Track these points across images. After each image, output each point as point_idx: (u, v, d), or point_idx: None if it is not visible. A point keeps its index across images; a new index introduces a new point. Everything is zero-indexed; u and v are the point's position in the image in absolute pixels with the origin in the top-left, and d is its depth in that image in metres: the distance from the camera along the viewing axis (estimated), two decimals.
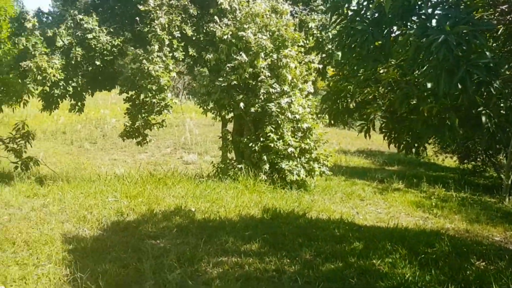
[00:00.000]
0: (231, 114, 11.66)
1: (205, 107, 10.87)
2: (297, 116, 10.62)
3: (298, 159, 10.76)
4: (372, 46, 4.48)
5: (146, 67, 9.91)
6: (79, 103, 11.82)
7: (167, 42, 10.30)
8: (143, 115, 10.77)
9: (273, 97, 10.29)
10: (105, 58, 10.98)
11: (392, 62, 5.29)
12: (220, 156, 16.80)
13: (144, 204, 7.60)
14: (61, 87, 10.86)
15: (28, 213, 6.61)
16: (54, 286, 4.44)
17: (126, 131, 11.25)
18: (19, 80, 11.44)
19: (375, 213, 9.34)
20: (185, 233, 6.35)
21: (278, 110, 10.27)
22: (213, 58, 10.32)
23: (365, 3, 4.73)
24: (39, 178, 10.95)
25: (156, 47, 10.07)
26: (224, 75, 10.23)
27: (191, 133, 23.75)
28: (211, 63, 10.46)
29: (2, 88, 12.81)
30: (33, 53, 10.24)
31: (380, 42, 4.54)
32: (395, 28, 4.70)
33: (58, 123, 24.69)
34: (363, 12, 4.68)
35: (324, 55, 11.90)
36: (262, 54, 10.09)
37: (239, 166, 10.62)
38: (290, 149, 10.37)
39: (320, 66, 11.43)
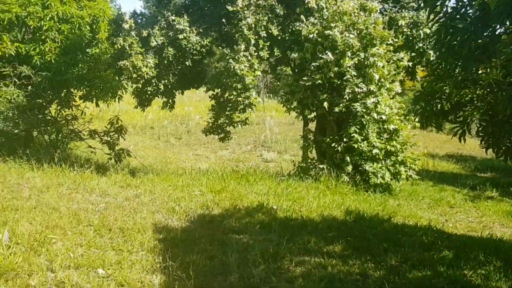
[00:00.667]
0: (314, 114, 11.58)
1: (288, 106, 10.89)
2: (383, 117, 10.28)
3: (383, 162, 10.42)
4: (474, 46, 4.21)
5: (232, 66, 10.14)
6: (170, 101, 12.41)
7: (253, 41, 10.47)
8: (227, 112, 11.04)
9: (358, 97, 10.06)
10: (194, 57, 11.41)
11: (495, 62, 4.93)
12: (300, 155, 16.79)
13: (227, 199, 7.79)
14: (153, 85, 11.45)
15: (122, 202, 7.05)
16: (147, 272, 4.70)
17: (209, 127, 11.61)
18: (116, 77, 12.26)
19: (466, 222, 8.79)
20: (268, 230, 6.41)
21: (364, 110, 10.01)
22: (298, 57, 10.31)
23: (466, 1, 4.45)
24: (131, 170, 11.66)
25: (243, 46, 10.27)
26: (309, 74, 10.18)
27: (271, 131, 23.97)
28: (295, 62, 10.46)
29: (99, 84, 13.83)
30: (129, 52, 10.91)
31: (481, 41, 4.25)
32: (497, 26, 4.38)
33: (147, 119, 26.11)
34: (463, 10, 4.41)
35: (414, 54, 11.41)
36: (348, 53, 9.89)
37: (321, 166, 10.51)
38: (374, 151, 10.07)
39: (410, 65, 10.96)
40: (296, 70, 11.05)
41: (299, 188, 9.37)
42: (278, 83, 12.48)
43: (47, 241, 4.98)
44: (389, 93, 10.69)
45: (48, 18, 12.67)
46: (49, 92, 13.33)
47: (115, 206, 6.78)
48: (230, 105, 11.02)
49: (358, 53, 10.06)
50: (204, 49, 11.32)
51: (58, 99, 13.57)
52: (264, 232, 6.31)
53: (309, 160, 11.42)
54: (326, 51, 9.92)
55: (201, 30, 11.35)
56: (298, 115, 11.44)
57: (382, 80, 10.36)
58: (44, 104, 13.30)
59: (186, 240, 5.68)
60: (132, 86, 11.94)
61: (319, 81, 9.97)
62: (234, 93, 10.51)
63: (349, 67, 9.98)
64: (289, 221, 6.95)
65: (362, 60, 10.01)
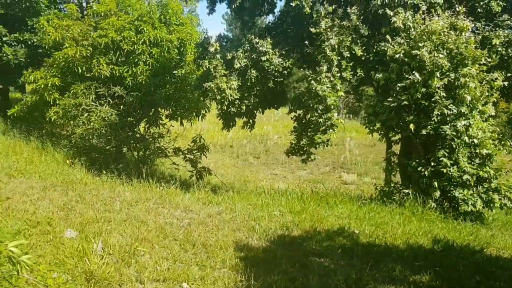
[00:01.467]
0: (398, 136, 11.17)
1: (370, 128, 10.61)
2: (475, 141, 9.65)
3: (475, 188, 9.76)
4: None
5: (313, 87, 10.12)
6: (250, 121, 12.64)
7: (335, 62, 10.39)
8: (309, 133, 10.99)
9: (448, 119, 9.54)
10: (276, 79, 11.56)
11: None
12: (382, 178, 16.22)
13: (307, 221, 7.69)
14: (236, 106, 11.73)
15: (205, 218, 7.24)
16: None
17: (291, 148, 11.62)
18: (201, 98, 12.78)
19: None
20: (350, 255, 6.21)
21: (454, 133, 9.47)
22: (382, 77, 10.05)
23: None
24: (212, 187, 11.97)
25: (325, 67, 10.23)
26: (394, 95, 9.86)
27: (351, 152, 23.58)
28: (379, 82, 10.20)
29: (185, 104, 14.49)
30: (214, 74, 11.30)
31: None
32: None
33: (227, 138, 26.76)
34: None
35: (509, 74, 10.65)
36: (437, 74, 9.46)
37: (406, 191, 10.06)
38: (465, 177, 9.46)
39: (505, 85, 10.24)
40: (380, 91, 10.76)
41: (382, 213, 9.02)
42: (360, 104, 12.22)
43: (137, 253, 5.22)
44: (482, 116, 10.04)
45: (140, 42, 13.58)
46: (139, 111, 14.23)
47: (198, 222, 6.96)
48: (312, 126, 10.97)
49: (447, 73, 9.58)
50: (286, 71, 11.44)
51: (146, 117, 14.43)
52: (346, 257, 6.12)
53: (392, 184, 10.98)
54: (413, 72, 9.56)
55: (283, 52, 11.50)
56: (382, 137, 11.10)
57: (474, 101, 9.76)
58: (134, 122, 14.20)
59: (266, 260, 5.67)
60: (216, 106, 12.34)
61: (405, 102, 9.62)
62: (316, 114, 10.45)
63: (438, 88, 9.53)
64: (372, 247, 6.69)
65: (452, 80, 9.52)
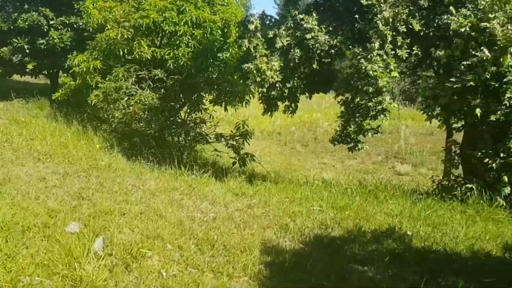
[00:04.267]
0: (461, 123, 9.80)
1: (429, 113, 9.32)
2: None
3: None
4: None
5: (363, 67, 8.97)
6: (292, 105, 11.66)
7: (389, 38, 9.16)
8: (357, 119, 9.87)
9: None
10: (323, 60, 10.49)
11: None
12: (440, 170, 14.76)
13: (351, 219, 6.69)
14: (277, 89, 10.80)
15: (232, 212, 6.43)
16: None
17: (337, 135, 10.54)
18: (241, 82, 11.94)
19: None
20: (400, 262, 5.18)
21: None
22: (444, 55, 8.71)
23: None
24: (252, 175, 11.18)
25: (377, 44, 9.03)
26: (457, 75, 8.51)
27: (406, 141, 22.21)
28: (441, 61, 8.88)
29: (228, 89, 13.77)
30: (254, 54, 10.40)
31: None
32: None
33: (275, 125, 25.96)
34: None
35: None
36: (511, 49, 8.02)
37: (469, 185, 8.76)
38: None
39: None
40: (441, 71, 9.42)
41: (440, 211, 7.85)
42: (416, 88, 10.86)
43: (142, 254, 4.48)
44: None
45: (182, 23, 12.95)
46: (181, 95, 13.71)
47: (224, 217, 6.17)
48: (360, 111, 9.83)
49: None
50: (333, 50, 10.31)
51: (189, 102, 13.88)
52: (395, 265, 5.09)
53: (452, 177, 9.68)
54: (482, 48, 8.18)
55: (330, 29, 10.35)
56: (442, 124, 9.73)
57: None
58: (175, 107, 13.70)
59: (297, 266, 4.77)
60: (258, 91, 11.45)
61: (471, 83, 8.26)
62: (366, 97, 9.30)
63: (511, 66, 8.10)
64: (427, 253, 5.61)
65: None
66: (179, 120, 13.83)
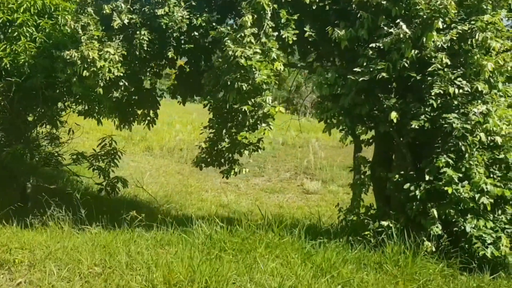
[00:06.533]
0: (371, 133, 7.23)
1: (327, 120, 6.58)
2: (498, 140, 5.83)
3: (495, 218, 6.00)
4: None
5: (231, 52, 5.99)
6: (150, 113, 8.44)
7: (269, 12, 6.29)
8: (231, 130, 6.86)
9: (455, 103, 5.62)
10: (183, 46, 7.42)
11: None
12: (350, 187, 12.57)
13: None
14: (122, 89, 7.53)
15: None
16: None
17: (204, 154, 7.45)
18: (75, 80, 8.43)
19: None
20: None
21: (464, 126, 5.57)
22: (344, 35, 5.99)
23: None
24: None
25: (250, 19, 6.10)
26: (364, 63, 5.86)
27: (316, 155, 20.55)
28: (341, 45, 6.14)
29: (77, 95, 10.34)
30: (81, 38, 7.07)
31: None
32: None
33: (176, 139, 23.07)
34: None
35: None
36: (438, 23, 5.48)
37: (384, 223, 6.14)
38: (482, 199, 5.77)
39: None
40: (343, 61, 6.74)
41: (346, 268, 5.24)
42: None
43: None
44: (506, 99, 6.21)
45: (22, 10, 9.26)
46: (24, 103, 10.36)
47: None
48: (234, 118, 6.87)
49: (454, 25, 5.65)
50: (196, 32, 7.25)
51: (36, 112, 10.71)
52: None
53: (363, 207, 7.05)
54: (398, 21, 5.58)
55: (193, 3, 7.29)
56: (345, 135, 7.01)
57: (496, 74, 5.87)
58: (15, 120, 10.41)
59: None
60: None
61: (383, 74, 5.64)
62: (238, 98, 6.32)
63: (438, 48, 5.58)
64: None
65: (462, 35, 5.56)
66: (23, 138, 10.66)
